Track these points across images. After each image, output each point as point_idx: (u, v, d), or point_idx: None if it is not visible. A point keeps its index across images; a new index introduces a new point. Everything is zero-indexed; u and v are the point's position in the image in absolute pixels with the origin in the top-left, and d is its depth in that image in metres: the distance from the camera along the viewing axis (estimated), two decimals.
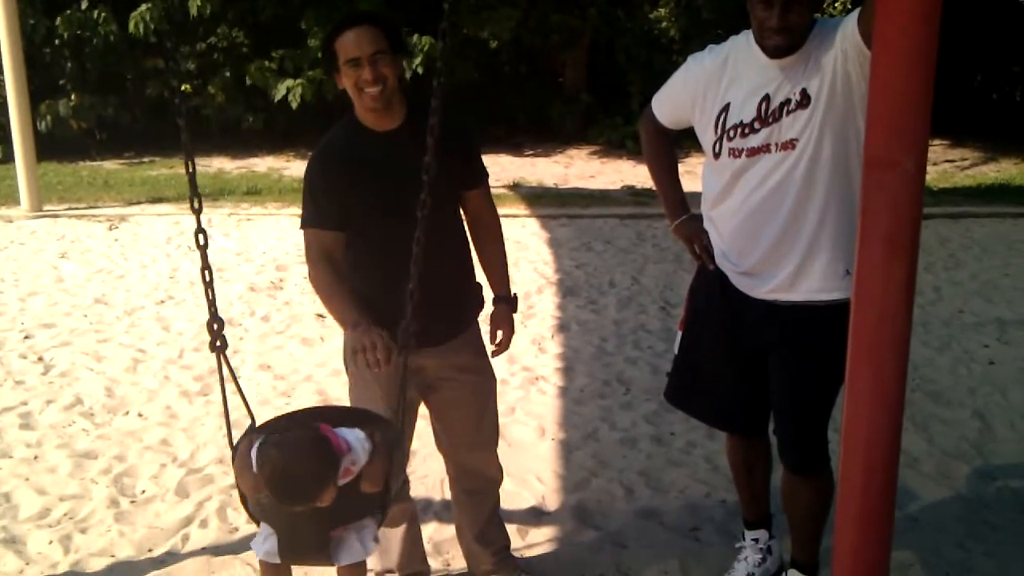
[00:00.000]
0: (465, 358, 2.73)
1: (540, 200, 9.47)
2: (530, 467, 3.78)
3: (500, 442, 2.94)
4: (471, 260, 2.76)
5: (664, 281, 6.53)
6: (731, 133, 2.53)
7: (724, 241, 2.69)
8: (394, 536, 2.86)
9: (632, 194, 10.18)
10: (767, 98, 2.46)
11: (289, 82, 13.27)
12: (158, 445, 4.03)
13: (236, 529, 3.35)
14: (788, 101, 2.43)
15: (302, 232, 2.58)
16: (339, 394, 4.07)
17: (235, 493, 3.57)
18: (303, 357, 5.10)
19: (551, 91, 15.71)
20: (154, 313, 5.89)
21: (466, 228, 2.74)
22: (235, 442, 2.17)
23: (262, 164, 13.22)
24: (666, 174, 2.96)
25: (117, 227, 8.48)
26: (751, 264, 2.61)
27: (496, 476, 2.95)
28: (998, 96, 16.45)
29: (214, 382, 4.73)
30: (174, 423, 4.25)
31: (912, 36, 1.57)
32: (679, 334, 2.92)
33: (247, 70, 13.49)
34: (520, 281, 6.37)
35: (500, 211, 2.86)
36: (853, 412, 1.76)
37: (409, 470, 2.98)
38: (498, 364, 2.89)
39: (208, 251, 2.18)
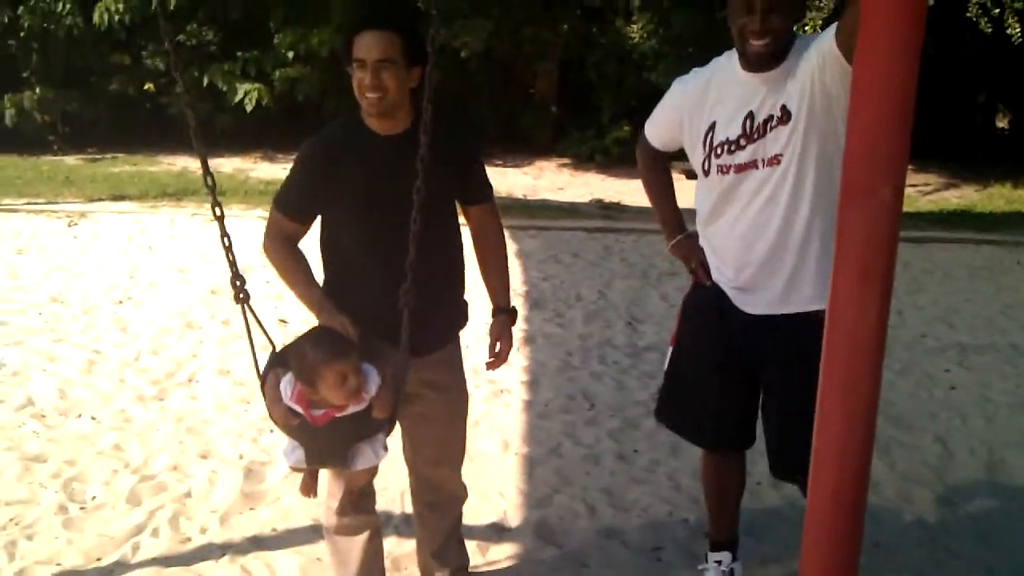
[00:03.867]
0: (442, 374, 2.68)
1: (509, 211, 9.42)
2: (493, 481, 3.74)
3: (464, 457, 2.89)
4: (462, 275, 2.71)
5: (630, 296, 6.52)
6: (718, 150, 2.56)
7: (718, 257, 2.71)
8: (354, 548, 2.78)
9: (601, 208, 10.21)
10: (751, 115, 2.49)
11: (247, 86, 13.28)
12: (110, 450, 3.92)
13: (188, 539, 3.26)
14: (771, 117, 2.45)
15: (271, 206, 2.58)
16: None
17: (188, 503, 3.51)
18: (263, 363, 5.00)
19: (522, 102, 15.75)
20: (111, 313, 5.76)
21: (461, 244, 2.69)
22: (262, 372, 2.45)
23: (228, 165, 13.08)
24: (662, 195, 2.98)
25: (76, 224, 8.31)
26: (745, 279, 2.63)
27: (459, 493, 2.89)
28: (960, 123, 16.75)
29: (170, 386, 4.65)
30: (128, 428, 4.14)
31: (892, 64, 1.56)
32: (669, 349, 2.93)
33: (210, 72, 13.43)
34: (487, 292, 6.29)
35: None
36: (823, 438, 1.74)
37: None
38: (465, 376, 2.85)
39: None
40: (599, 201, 10.71)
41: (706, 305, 2.77)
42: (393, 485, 3.49)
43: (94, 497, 3.53)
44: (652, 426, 4.30)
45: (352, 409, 2.32)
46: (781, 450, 2.71)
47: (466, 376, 2.85)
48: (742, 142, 2.50)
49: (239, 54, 13.73)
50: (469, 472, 2.98)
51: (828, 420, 1.73)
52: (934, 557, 3.29)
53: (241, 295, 2.43)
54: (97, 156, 13.31)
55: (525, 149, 15.03)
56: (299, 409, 2.33)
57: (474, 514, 3.40)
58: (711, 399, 2.81)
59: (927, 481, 3.86)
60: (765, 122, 2.45)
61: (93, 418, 4.24)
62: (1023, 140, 17.13)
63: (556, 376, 4.97)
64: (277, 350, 2.50)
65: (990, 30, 11.16)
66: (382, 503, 3.41)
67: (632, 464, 3.96)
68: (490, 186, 2.74)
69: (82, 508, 3.45)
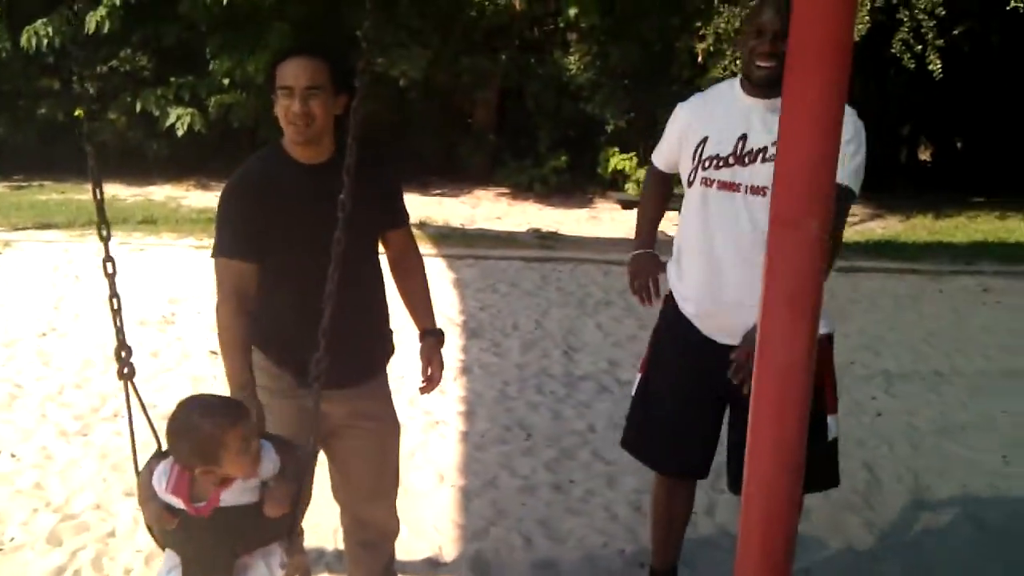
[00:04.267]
0: (371, 405, 2.65)
1: (447, 240, 9.44)
2: (427, 515, 3.69)
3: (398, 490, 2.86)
4: (386, 304, 2.69)
5: (567, 326, 6.55)
6: (706, 163, 2.65)
7: (689, 276, 2.75)
8: None
9: (538, 237, 10.25)
10: (744, 137, 2.58)
11: (179, 110, 13.14)
12: (31, 489, 3.77)
13: None
14: (765, 149, 2.53)
15: (213, 262, 2.46)
16: None
17: (111, 542, 3.39)
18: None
19: (460, 132, 15.79)
20: (34, 346, 5.58)
21: (382, 273, 2.67)
22: (139, 470, 2.13)
23: (159, 192, 12.87)
24: (648, 208, 3.05)
25: (0, 253, 8.06)
26: (712, 304, 2.68)
27: (393, 529, 2.85)
28: (885, 155, 17.28)
29: (95, 421, 4.51)
30: (49, 465, 4.00)
31: (820, 101, 1.60)
32: (638, 376, 2.96)
33: (143, 97, 13.26)
34: None
35: None
36: (754, 465, 1.76)
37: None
38: (398, 407, 2.82)
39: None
40: (536, 230, 10.76)
41: (677, 333, 2.81)
42: (325, 521, 3.42)
43: (12, 538, 3.40)
44: (588, 456, 4.32)
45: (241, 489, 2.02)
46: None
47: (402, 407, 2.83)
48: (730, 160, 2.59)
49: (173, 79, 13.55)
50: (403, 506, 2.95)
51: (758, 450, 1.75)
52: None
53: (126, 370, 2.15)
54: (23, 183, 12.96)
55: (463, 178, 15.04)
56: (178, 503, 2.01)
57: (409, 549, 3.35)
58: (678, 426, 2.85)
59: (855, 507, 3.93)
60: (759, 151, 2.53)
61: (12, 455, 4.08)
62: (945, 172, 17.74)
63: (493, 406, 4.96)
64: (161, 448, 2.15)
65: (913, 66, 11.57)
66: (314, 540, 3.35)
67: (568, 495, 3.95)
68: (407, 211, 2.74)
69: None
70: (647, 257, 2.90)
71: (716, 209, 2.64)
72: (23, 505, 3.63)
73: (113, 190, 12.60)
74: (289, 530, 2.11)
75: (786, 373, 1.69)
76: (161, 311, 6.31)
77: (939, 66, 11.49)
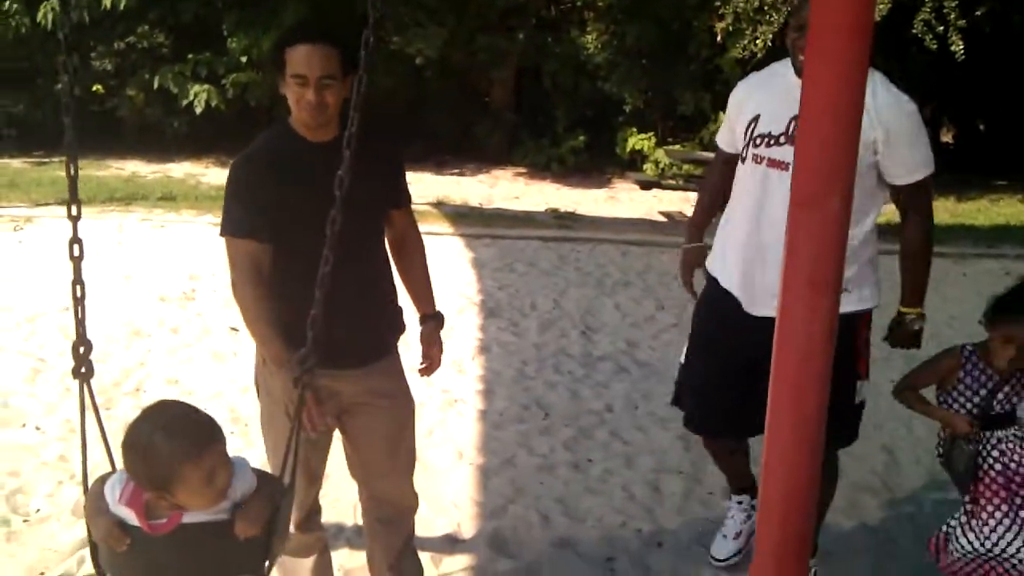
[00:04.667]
0: (384, 382, 2.65)
1: (464, 219, 9.43)
2: (446, 492, 3.72)
3: (416, 466, 2.87)
4: (394, 282, 2.69)
5: (585, 305, 6.55)
6: (757, 141, 2.76)
7: (733, 248, 2.86)
8: (303, 568, 2.76)
9: (556, 217, 10.23)
10: (796, 118, 2.58)
11: (197, 87, 13.15)
12: (56, 461, 3.83)
13: None
14: None
15: (224, 241, 2.41)
16: (250, 413, 3.95)
17: None
18: (214, 372, 4.94)
19: (477, 110, 15.73)
20: (56, 321, 5.63)
21: (386, 250, 2.68)
22: (89, 486, 1.86)
23: (179, 169, 12.90)
24: (703, 200, 3.25)
25: (22, 228, 8.12)
26: (755, 275, 2.77)
27: (410, 505, 2.85)
28: None
29: (117, 396, 4.56)
30: (73, 438, 4.03)
31: (841, 79, 1.59)
32: (687, 344, 3.13)
33: (161, 74, 13.29)
34: (441, 301, 6.23)
35: (422, 228, 2.84)
36: (773, 445, 1.76)
37: (321, 494, 2.88)
38: (416, 386, 2.83)
39: (83, 263, 1.91)
40: (554, 210, 10.74)
41: (715, 307, 2.96)
42: (345, 497, 3.46)
43: (38, 509, 3.45)
44: (606, 436, 4.34)
45: (206, 514, 1.77)
46: None
47: (420, 386, 2.84)
48: (781, 140, 2.69)
49: (191, 56, 13.58)
50: (422, 483, 2.97)
51: (778, 428, 1.75)
52: (880, 563, 3.36)
53: (83, 369, 1.85)
54: (44, 159, 13.02)
55: (480, 157, 14.99)
56: (132, 518, 1.74)
57: (428, 525, 3.38)
58: (704, 399, 3.01)
59: (875, 489, 3.93)
60: None
61: (37, 428, 4.14)
62: (967, 154, 17.55)
63: (511, 385, 4.97)
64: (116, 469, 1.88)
65: (935, 47, 11.43)
66: (334, 515, 3.39)
67: (586, 474, 3.97)
68: (409, 191, 2.73)
69: (25, 521, 3.37)
70: (698, 251, 3.11)
71: (764, 185, 2.73)
72: (48, 477, 3.68)
73: (133, 166, 12.68)
74: (261, 565, 1.82)
75: (806, 353, 1.68)
76: (181, 287, 6.36)
77: (961, 47, 11.33)
